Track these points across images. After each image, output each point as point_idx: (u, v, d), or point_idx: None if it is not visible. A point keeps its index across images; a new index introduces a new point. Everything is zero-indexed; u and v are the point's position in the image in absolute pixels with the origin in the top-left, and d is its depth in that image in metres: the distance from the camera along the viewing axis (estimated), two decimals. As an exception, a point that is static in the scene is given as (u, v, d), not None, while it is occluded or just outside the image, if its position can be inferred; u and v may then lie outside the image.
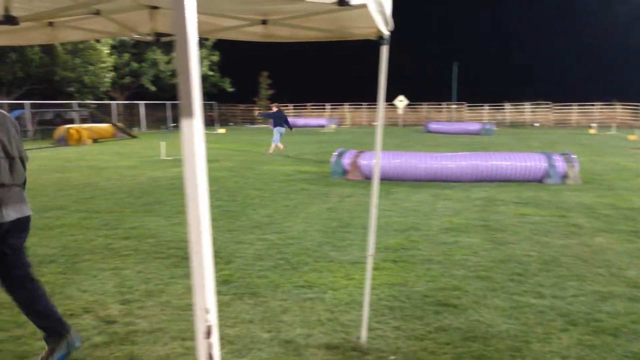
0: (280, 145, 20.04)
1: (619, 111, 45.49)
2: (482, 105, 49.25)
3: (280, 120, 20.06)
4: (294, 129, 22.58)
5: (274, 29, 4.01)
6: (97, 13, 3.44)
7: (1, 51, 29.77)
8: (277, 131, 19.96)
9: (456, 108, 50.03)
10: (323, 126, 42.81)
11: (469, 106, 49.73)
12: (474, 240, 6.99)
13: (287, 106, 53.65)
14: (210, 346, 1.20)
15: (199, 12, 3.79)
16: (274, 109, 20.66)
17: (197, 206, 1.18)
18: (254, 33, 4.11)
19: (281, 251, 6.51)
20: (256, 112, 42.93)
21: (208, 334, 1.20)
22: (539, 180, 12.01)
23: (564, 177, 11.88)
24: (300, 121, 45.26)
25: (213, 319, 1.21)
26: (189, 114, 1.15)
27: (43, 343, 3.97)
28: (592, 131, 35.25)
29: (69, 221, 8.19)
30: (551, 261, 6.03)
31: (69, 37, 4.25)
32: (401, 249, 6.57)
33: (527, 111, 47.97)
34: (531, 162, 11.99)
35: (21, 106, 30.90)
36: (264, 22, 3.87)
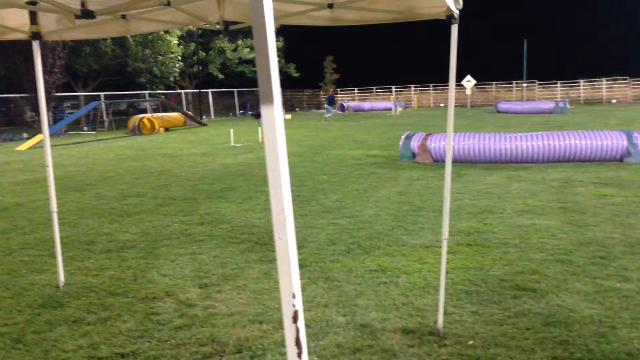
0: (327, 116, 32.67)
1: None
2: (554, 83, 47.38)
3: (331, 99, 33.96)
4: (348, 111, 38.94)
5: (341, 12, 3.98)
6: (168, 4, 3.51)
7: (76, 45, 31.07)
8: (328, 106, 33.31)
9: (527, 86, 48.35)
10: (389, 109, 42.43)
11: (540, 84, 47.96)
12: (552, 223, 6.76)
13: (353, 90, 53.50)
14: (297, 331, 1.21)
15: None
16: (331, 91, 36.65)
17: (280, 193, 1.18)
18: (321, 17, 4.09)
19: (353, 235, 6.51)
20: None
21: (295, 318, 1.20)
22: (619, 160, 11.47)
23: (647, 155, 11.29)
24: (367, 105, 45.03)
25: (299, 303, 1.21)
26: (269, 100, 1.15)
27: (129, 325, 4.15)
28: (676, 106, 33.27)
29: (147, 208, 8.49)
30: (636, 244, 5.75)
31: (141, 29, 4.37)
32: (475, 232, 6.44)
33: (603, 87, 45.76)
34: (610, 141, 11.45)
35: (97, 97, 32.20)
36: (330, 6, 3.84)
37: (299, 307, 1.21)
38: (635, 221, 6.67)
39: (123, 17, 4.14)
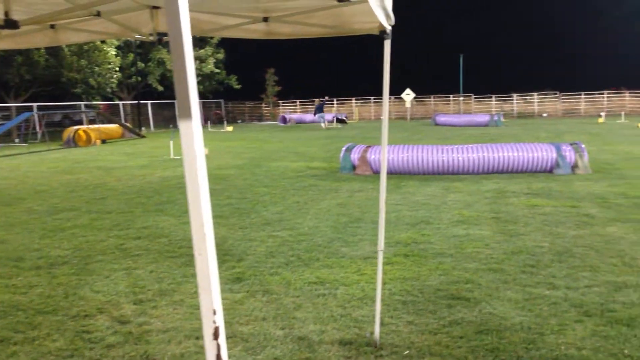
0: (324, 125, 35.55)
1: (628, 99, 45.09)
2: (489, 97, 48.96)
3: (320, 108, 36.82)
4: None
5: (276, 26, 4.00)
6: (98, 14, 3.44)
7: (7, 54, 29.93)
8: (320, 115, 36.31)
9: (463, 100, 49.77)
10: (331, 122, 42.73)
11: (476, 98, 49.44)
12: (486, 233, 6.95)
13: (295, 102, 53.72)
14: (218, 347, 1.19)
15: (201, 11, 3.78)
16: (318, 102, 38.16)
17: (199, 208, 1.17)
18: (256, 30, 4.09)
19: (292, 248, 6.51)
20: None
21: (216, 335, 1.19)
22: (548, 171, 11.93)
23: (574, 167, 11.80)
24: (308, 117, 45.21)
25: (220, 320, 1.20)
26: (187, 115, 1.14)
27: (59, 344, 4.00)
28: (601, 120, 34.94)
29: (81, 222, 8.23)
30: (564, 252, 5.99)
31: (71, 39, 4.25)
32: (412, 243, 6.55)
33: (535, 101, 47.64)
34: (540, 153, 11.90)
35: (29, 108, 31.08)
36: (266, 20, 3.85)
37: (220, 323, 1.19)
38: (562, 230, 6.95)
39: (52, 27, 4.02)
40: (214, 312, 1.18)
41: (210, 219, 1.19)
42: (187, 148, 1.15)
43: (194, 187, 1.15)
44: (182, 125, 1.15)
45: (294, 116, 45.08)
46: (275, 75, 53.39)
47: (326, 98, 45.66)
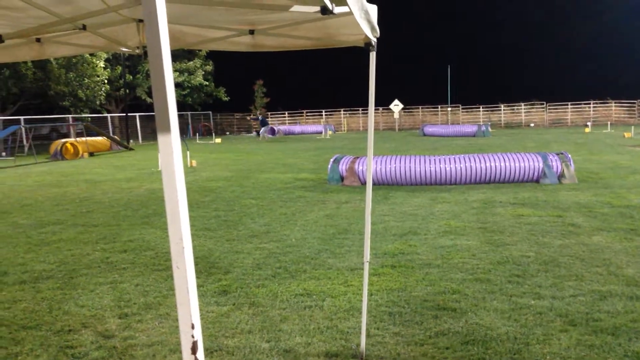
0: (264, 137, 38.27)
1: (614, 109, 45.60)
2: (477, 107, 49.32)
3: (264, 122, 39.55)
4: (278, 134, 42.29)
5: (262, 38, 4.01)
6: (84, 28, 3.44)
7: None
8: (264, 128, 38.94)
9: (451, 110, 50.08)
10: (320, 133, 42.82)
11: (464, 108, 49.79)
12: (472, 243, 6.98)
13: (283, 114, 53.84)
14: (196, 362, 1.19)
15: (186, 24, 3.79)
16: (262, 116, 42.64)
17: (177, 222, 1.17)
18: (242, 43, 4.11)
19: (279, 260, 6.50)
20: (249, 117, 50.52)
21: (194, 349, 1.18)
22: (535, 181, 12.01)
23: (560, 176, 11.89)
24: (297, 128, 45.30)
25: (198, 334, 1.20)
26: (166, 128, 1.14)
27: (41, 359, 3.96)
28: (587, 130, 35.30)
29: (66, 236, 8.17)
30: (549, 261, 6.02)
31: (57, 53, 4.25)
32: (399, 254, 6.55)
33: (522, 112, 48.05)
34: (527, 163, 11.99)
35: (17, 122, 30.88)
36: (252, 32, 3.87)
37: (198, 337, 1.19)
38: (548, 240, 6.99)
39: (38, 40, 4.01)
40: (192, 327, 1.18)
41: (188, 232, 1.19)
42: (166, 162, 1.15)
43: (173, 200, 1.16)
44: (160, 138, 1.15)
45: (283, 127, 45.12)
46: (264, 87, 53.50)
47: (266, 113, 50.72)
